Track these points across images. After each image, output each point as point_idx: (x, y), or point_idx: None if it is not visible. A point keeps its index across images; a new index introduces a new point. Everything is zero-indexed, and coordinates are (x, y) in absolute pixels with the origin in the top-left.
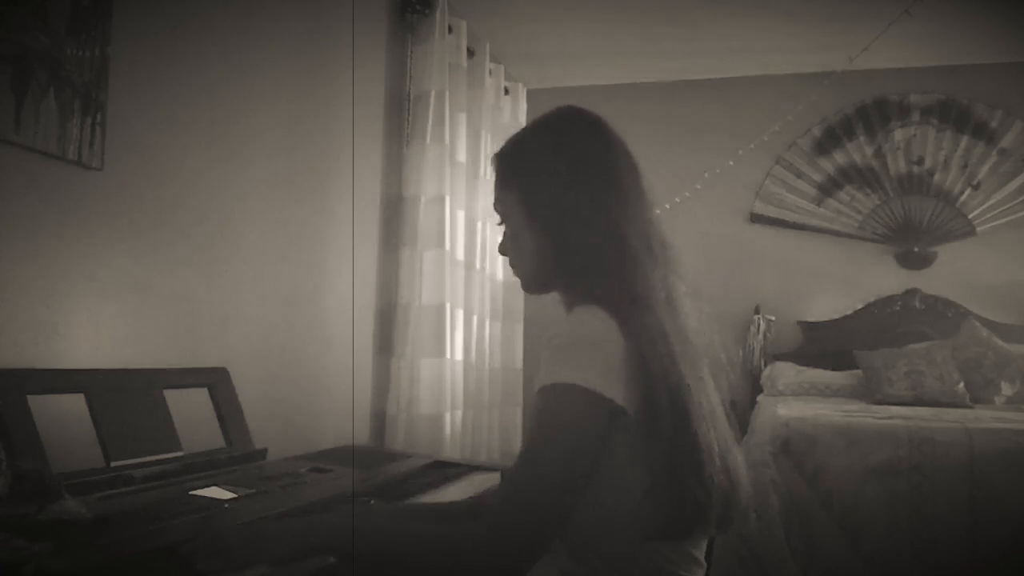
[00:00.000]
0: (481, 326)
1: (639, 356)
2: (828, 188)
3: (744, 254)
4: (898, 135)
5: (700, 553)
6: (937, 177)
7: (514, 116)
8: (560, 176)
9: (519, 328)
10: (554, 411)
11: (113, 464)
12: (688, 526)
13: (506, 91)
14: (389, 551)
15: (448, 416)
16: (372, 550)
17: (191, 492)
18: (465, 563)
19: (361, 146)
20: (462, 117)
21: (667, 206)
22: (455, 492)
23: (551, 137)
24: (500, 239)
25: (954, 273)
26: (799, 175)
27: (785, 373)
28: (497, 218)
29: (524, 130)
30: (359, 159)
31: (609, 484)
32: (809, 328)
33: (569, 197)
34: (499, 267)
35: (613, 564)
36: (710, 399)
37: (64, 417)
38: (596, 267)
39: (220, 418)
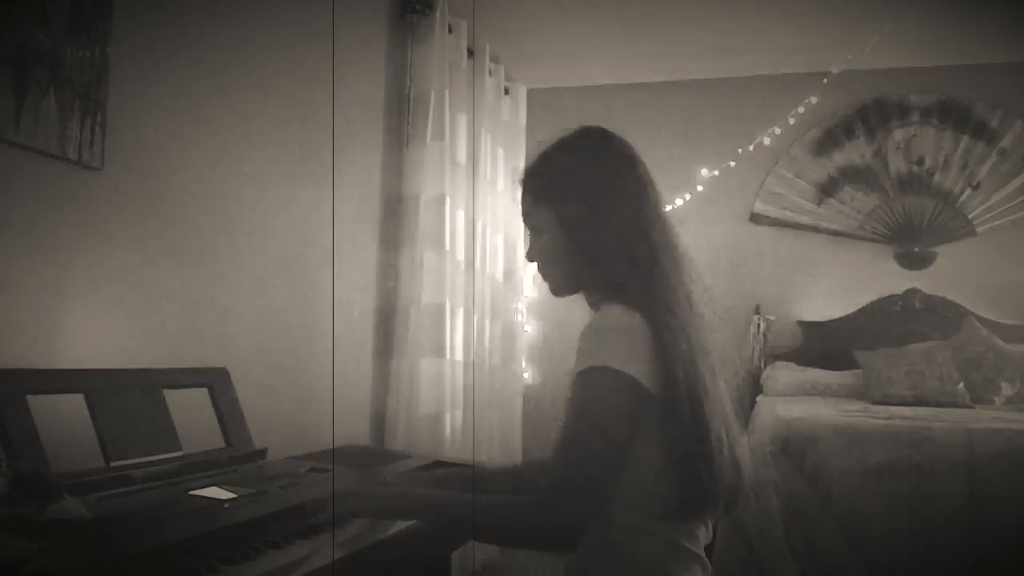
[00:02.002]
0: (481, 326)
1: (661, 348)
2: (828, 188)
3: (744, 254)
4: (898, 135)
5: (708, 530)
6: (937, 177)
7: (514, 116)
8: (592, 191)
9: (519, 328)
10: (590, 391)
11: (113, 464)
12: (697, 509)
13: (506, 91)
14: (442, 516)
15: (448, 416)
16: (430, 515)
17: (191, 492)
18: (516, 529)
19: (361, 146)
20: (462, 117)
21: (668, 207)
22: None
23: (581, 155)
24: (527, 248)
25: (954, 273)
26: (799, 175)
27: (785, 373)
28: (515, 226)
29: (552, 149)
30: (360, 159)
31: (628, 461)
32: (809, 328)
33: (601, 211)
34: (499, 267)
35: (632, 536)
36: (721, 395)
37: (64, 417)
38: (627, 273)
39: (220, 418)
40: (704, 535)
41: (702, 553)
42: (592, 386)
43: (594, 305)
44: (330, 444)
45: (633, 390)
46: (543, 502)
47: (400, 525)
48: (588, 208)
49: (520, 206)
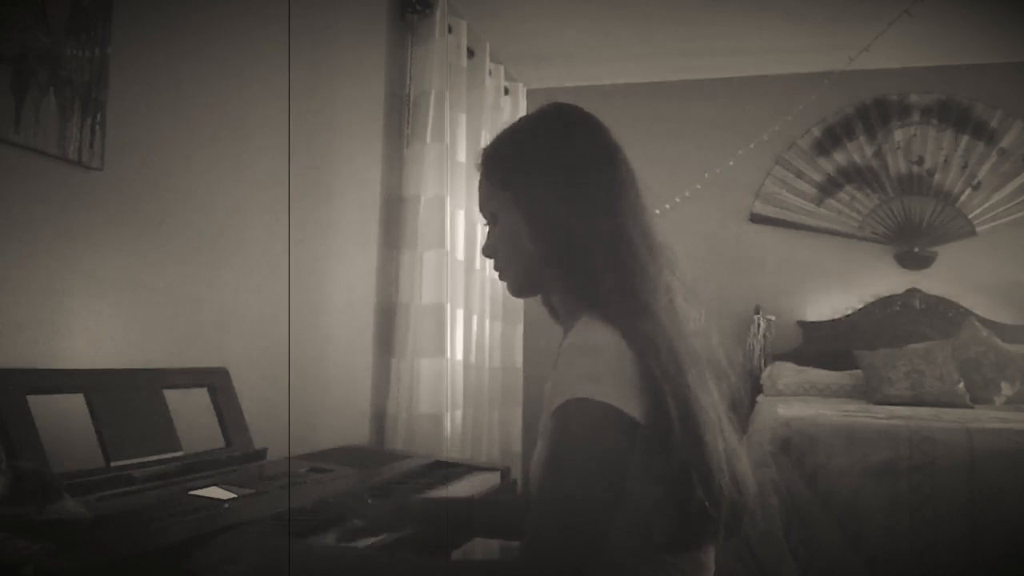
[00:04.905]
0: (481, 326)
1: (647, 368)
2: (828, 188)
3: (744, 254)
4: (898, 135)
5: (710, 559)
6: (937, 177)
7: (514, 116)
8: (560, 174)
9: (519, 328)
10: (572, 428)
11: (113, 464)
12: (697, 537)
13: (506, 91)
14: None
15: (448, 416)
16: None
17: (191, 492)
18: None
19: (361, 146)
20: (462, 117)
21: (667, 206)
22: (455, 492)
23: (546, 134)
24: (485, 241)
25: (954, 273)
26: (799, 175)
27: (785, 373)
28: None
29: (514, 127)
30: (360, 159)
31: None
32: (809, 328)
33: (570, 196)
34: None
35: (622, 574)
36: (715, 405)
37: (64, 417)
38: (599, 269)
39: (220, 418)
40: (710, 566)
41: None
42: (575, 423)
43: (567, 315)
44: (330, 444)
45: (622, 426)
46: (529, 560)
47: None
48: (555, 194)
49: (478, 192)
